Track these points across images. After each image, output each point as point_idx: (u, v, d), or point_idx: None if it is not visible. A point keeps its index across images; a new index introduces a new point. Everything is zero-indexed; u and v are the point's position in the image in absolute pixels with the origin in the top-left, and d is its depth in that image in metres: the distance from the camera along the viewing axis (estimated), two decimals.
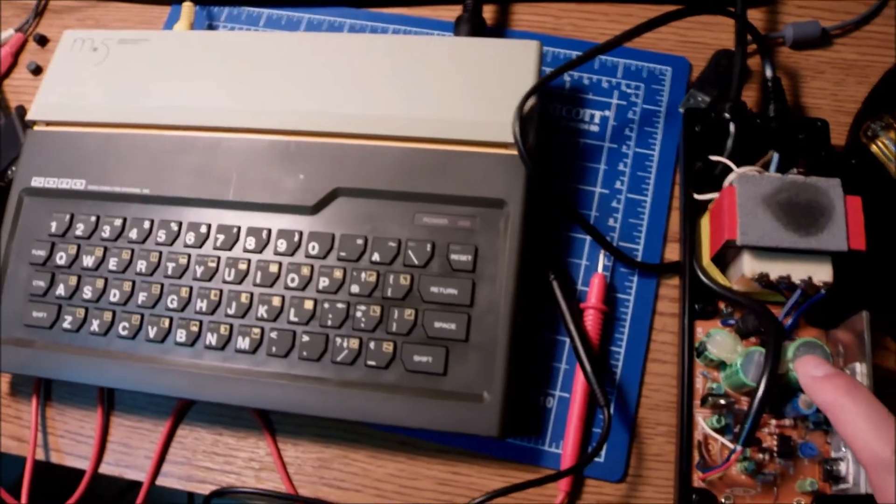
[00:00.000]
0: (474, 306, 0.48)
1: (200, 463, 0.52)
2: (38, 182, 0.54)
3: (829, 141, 0.50)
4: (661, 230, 0.52)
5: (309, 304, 0.49)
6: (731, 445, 0.43)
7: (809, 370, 0.42)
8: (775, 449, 0.46)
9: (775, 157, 0.49)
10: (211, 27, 0.63)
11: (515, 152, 0.49)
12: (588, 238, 0.53)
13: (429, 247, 0.49)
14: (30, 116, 0.55)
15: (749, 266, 0.45)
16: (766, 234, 0.45)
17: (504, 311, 0.47)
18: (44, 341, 0.51)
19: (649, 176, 0.54)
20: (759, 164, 0.49)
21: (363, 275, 0.49)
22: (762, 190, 0.45)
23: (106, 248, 0.52)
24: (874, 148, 0.51)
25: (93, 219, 0.53)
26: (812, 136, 0.51)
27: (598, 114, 0.55)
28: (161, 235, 0.52)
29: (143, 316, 0.51)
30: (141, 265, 0.51)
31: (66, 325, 0.51)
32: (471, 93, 0.51)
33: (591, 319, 0.50)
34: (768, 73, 0.52)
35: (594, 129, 0.55)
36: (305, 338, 0.48)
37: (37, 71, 0.63)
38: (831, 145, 0.50)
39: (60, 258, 0.53)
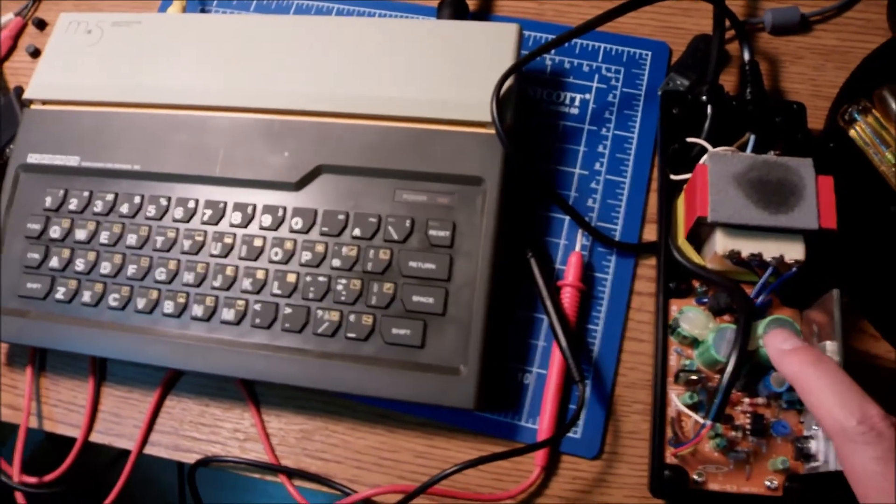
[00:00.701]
0: (452, 281, 0.48)
1: (187, 433, 0.52)
2: (33, 158, 0.54)
3: (806, 124, 0.50)
4: (640, 211, 0.52)
5: (292, 278, 0.49)
6: (702, 421, 0.43)
7: (777, 343, 0.41)
8: (748, 427, 0.45)
9: (752, 139, 0.49)
10: (203, 12, 0.63)
11: (493, 131, 0.49)
12: (567, 218, 0.52)
13: (408, 223, 0.49)
14: (26, 95, 0.55)
15: (721, 243, 0.45)
16: (737, 211, 0.44)
17: (481, 285, 0.47)
18: (37, 311, 0.52)
19: (628, 158, 0.53)
20: (735, 145, 0.49)
21: (344, 249, 0.49)
22: (734, 168, 0.45)
23: (98, 223, 0.52)
24: (852, 132, 0.50)
25: (85, 194, 0.53)
26: (789, 119, 0.50)
27: (578, 97, 0.55)
28: (150, 210, 0.52)
29: (132, 288, 0.51)
30: (131, 239, 0.52)
31: (58, 296, 0.52)
32: (451, 73, 0.51)
33: (568, 297, 0.50)
34: (746, 56, 0.52)
35: (574, 111, 0.55)
36: (288, 310, 0.48)
37: (35, 53, 0.63)
38: (808, 129, 0.50)
39: (54, 232, 0.53)
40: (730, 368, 0.42)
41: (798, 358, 0.40)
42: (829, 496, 0.44)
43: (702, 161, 0.46)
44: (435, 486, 0.46)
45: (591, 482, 0.48)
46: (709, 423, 0.42)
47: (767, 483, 0.45)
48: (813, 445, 0.44)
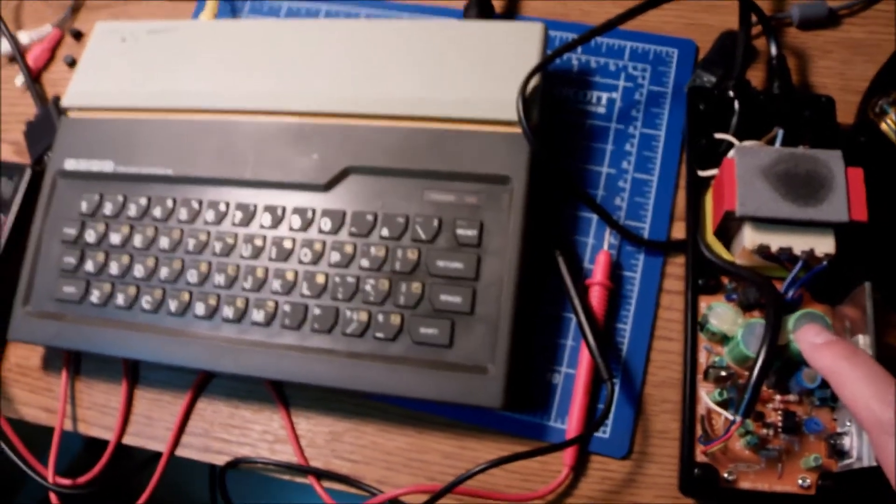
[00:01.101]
0: (479, 280, 0.47)
1: (217, 435, 0.52)
2: (70, 165, 0.55)
3: (835, 117, 0.49)
4: (668, 209, 0.51)
5: (321, 278, 0.49)
6: (732, 418, 0.42)
7: (809, 338, 0.40)
8: (780, 424, 0.44)
9: (780, 133, 0.48)
10: (234, 16, 0.64)
11: (519, 130, 0.49)
12: (594, 217, 0.52)
13: (436, 222, 0.48)
14: (63, 104, 0.56)
15: (749, 238, 0.44)
16: (765, 204, 0.43)
17: (508, 284, 0.47)
18: (73, 315, 0.52)
19: (656, 156, 0.53)
20: (763, 140, 0.48)
21: (372, 249, 0.49)
22: (761, 161, 0.44)
23: (132, 226, 0.53)
24: (883, 125, 0.49)
25: (120, 198, 0.53)
26: (818, 113, 0.49)
27: (605, 95, 0.54)
28: (182, 213, 0.52)
29: (164, 290, 0.51)
30: (164, 242, 0.52)
31: (93, 299, 0.52)
32: (477, 73, 0.51)
33: (596, 296, 0.49)
34: (773, 51, 0.51)
35: (601, 110, 0.54)
36: (317, 311, 0.48)
37: (72, 64, 0.64)
38: (837, 122, 0.49)
39: (90, 236, 0.53)
40: (759, 364, 0.41)
41: (831, 352, 0.39)
42: (864, 493, 0.43)
43: (729, 155, 0.45)
44: (461, 485, 0.46)
45: (621, 482, 0.47)
46: (739, 419, 0.41)
47: (800, 481, 0.44)
48: (847, 442, 0.43)
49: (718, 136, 0.49)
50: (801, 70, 0.54)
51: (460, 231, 0.48)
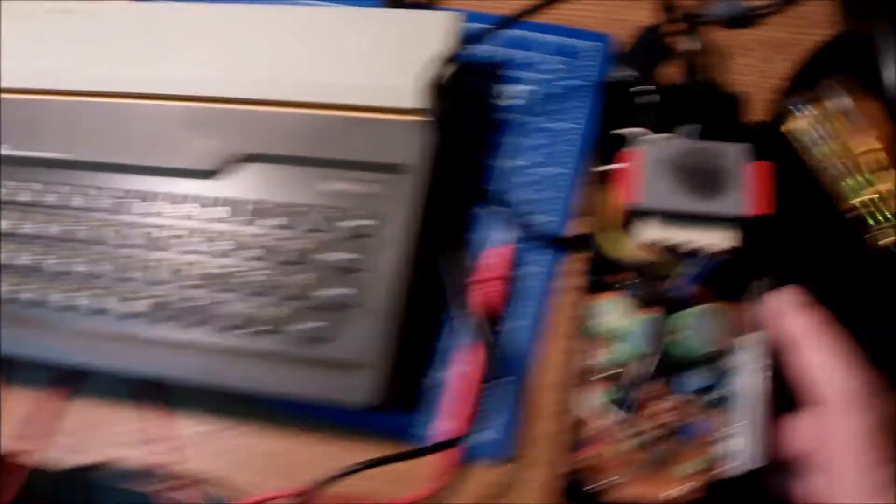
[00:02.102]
0: (370, 272, 0.44)
1: (88, 434, 0.48)
2: None
3: (749, 114, 0.46)
4: (576, 205, 0.48)
5: (202, 269, 0.45)
6: (615, 419, 0.39)
7: (785, 297, 0.39)
8: (667, 427, 0.41)
9: (692, 129, 0.45)
10: None
11: (421, 119, 0.46)
12: (498, 210, 0.48)
13: (328, 211, 0.45)
14: None
15: (648, 231, 0.41)
16: (667, 197, 0.41)
17: (400, 278, 0.44)
18: None
19: (568, 150, 0.49)
20: (675, 135, 0.46)
21: (260, 239, 0.46)
22: (666, 154, 0.42)
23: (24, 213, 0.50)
24: (796, 124, 0.46)
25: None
26: (733, 110, 0.47)
27: (522, 88, 0.51)
28: (73, 199, 0.49)
29: (45, 281, 0.47)
30: (53, 229, 0.49)
31: None
32: (382, 60, 0.48)
33: (490, 292, 0.46)
34: (690, 47, 0.49)
35: (516, 103, 0.51)
36: (197, 303, 0.45)
37: None
38: (752, 119, 0.46)
39: None
40: (645, 363, 0.38)
41: (806, 316, 0.37)
42: (750, 497, 0.40)
43: (634, 147, 0.43)
44: (329, 490, 0.42)
45: (502, 487, 0.44)
46: (621, 419, 0.38)
47: (686, 486, 0.40)
48: (734, 445, 0.40)
49: (627, 130, 0.46)
50: (721, 68, 0.51)
51: (353, 221, 0.45)
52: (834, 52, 0.48)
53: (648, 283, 0.42)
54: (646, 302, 0.42)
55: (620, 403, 0.40)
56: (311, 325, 0.44)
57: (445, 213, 0.48)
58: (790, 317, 0.38)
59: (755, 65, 0.51)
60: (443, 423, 0.45)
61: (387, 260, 0.44)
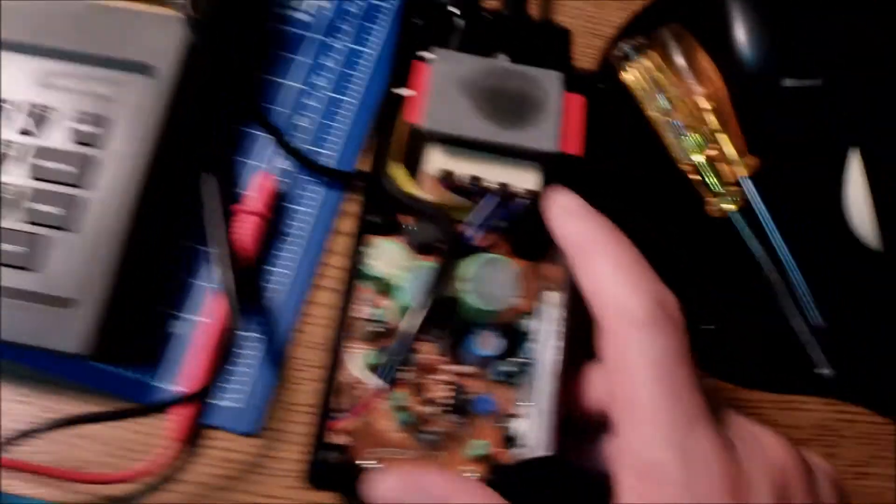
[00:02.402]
0: (89, 190, 0.35)
1: None
2: None
3: (571, 53, 0.40)
4: (361, 136, 0.41)
5: None
6: (376, 389, 0.31)
7: (560, 200, 0.31)
8: (445, 401, 0.34)
9: (503, 59, 0.38)
10: None
11: (179, 14, 0.37)
12: (269, 136, 0.40)
13: (49, 112, 0.36)
14: None
15: (434, 161, 0.34)
16: (458, 121, 0.34)
17: (127, 200, 0.35)
18: None
19: (360, 76, 0.42)
20: None
21: None
22: (463, 71, 0.35)
23: None
24: (626, 74, 0.41)
25: None
26: (552, 46, 0.40)
27: (314, 3, 0.43)
28: None
29: None
30: None
31: None
32: None
33: (247, 228, 0.37)
34: None
35: (306, 18, 0.43)
36: None
37: None
38: (574, 61, 0.40)
39: None
40: (413, 319, 0.31)
41: (588, 218, 0.29)
42: (538, 488, 0.33)
43: (425, 60, 0.35)
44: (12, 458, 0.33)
45: (246, 465, 0.35)
46: (380, 388, 0.30)
47: (464, 472, 0.33)
48: (520, 426, 0.33)
49: (427, 54, 0.39)
50: (546, 7, 0.45)
51: (79, 126, 0.36)
52: (672, 2, 0.43)
53: (429, 225, 0.35)
54: (424, 248, 0.35)
55: (381, 370, 0.33)
56: (10, 247, 0.34)
57: (203, 130, 0.39)
58: (567, 217, 0.30)
59: (585, 8, 0.45)
60: (183, 384, 0.36)
61: (112, 177, 0.35)
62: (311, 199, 0.39)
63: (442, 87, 0.34)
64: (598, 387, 0.30)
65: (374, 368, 0.33)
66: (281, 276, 0.38)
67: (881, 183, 0.39)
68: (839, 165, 0.40)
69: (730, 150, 0.36)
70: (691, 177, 0.36)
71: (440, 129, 0.33)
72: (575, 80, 0.37)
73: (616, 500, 0.24)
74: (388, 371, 0.30)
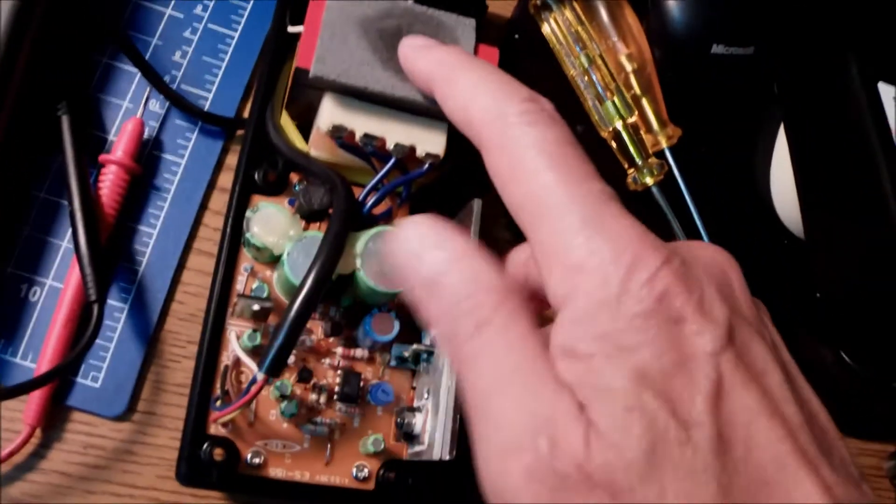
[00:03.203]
0: None
1: None
2: None
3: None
4: (246, 77, 0.35)
5: None
6: (256, 373, 0.27)
7: (411, 41, 0.26)
8: (336, 390, 0.30)
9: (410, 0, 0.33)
10: None
11: None
12: (136, 72, 0.34)
13: None
14: None
15: (326, 114, 0.29)
16: (353, 67, 0.29)
17: None
18: None
19: (244, 5, 0.36)
20: None
21: None
22: (362, 10, 0.30)
23: None
24: (545, 27, 0.36)
25: None
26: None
27: None
28: None
29: None
30: None
31: None
32: None
33: (110, 180, 0.32)
34: None
35: None
36: None
37: None
38: (488, 7, 0.36)
39: None
40: (299, 297, 0.27)
41: (442, 49, 0.25)
42: (436, 489, 0.30)
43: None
44: None
45: (113, 453, 0.31)
46: (261, 376, 0.27)
47: (355, 471, 0.30)
48: (418, 423, 0.29)
49: None
50: None
51: None
52: None
53: (320, 188, 0.30)
54: (314, 215, 0.30)
55: (262, 358, 0.28)
56: None
57: (58, 60, 0.33)
58: (420, 54, 0.26)
59: None
60: (35, 356, 0.31)
61: None
62: (188, 148, 0.34)
63: (336, 26, 0.29)
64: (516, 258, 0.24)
65: (255, 352, 0.29)
66: (153, 238, 0.33)
67: (806, 164, 0.36)
68: (767, 141, 0.38)
69: (652, 118, 0.33)
70: (612, 144, 0.32)
71: (327, 76, 0.29)
72: (489, 29, 0.32)
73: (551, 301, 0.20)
74: (269, 361, 0.26)
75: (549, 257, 0.19)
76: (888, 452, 0.40)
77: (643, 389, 0.17)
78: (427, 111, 0.30)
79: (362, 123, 0.29)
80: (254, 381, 0.27)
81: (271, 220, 0.29)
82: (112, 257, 0.32)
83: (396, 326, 0.30)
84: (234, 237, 0.30)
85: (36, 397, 0.30)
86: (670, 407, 0.17)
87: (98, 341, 0.31)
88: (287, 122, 0.32)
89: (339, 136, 0.29)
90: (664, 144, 0.32)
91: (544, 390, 0.18)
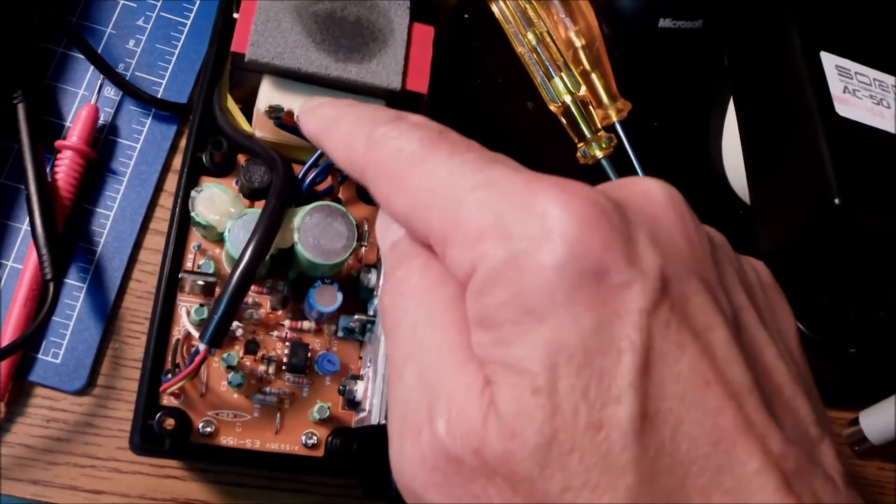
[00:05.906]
0: None
1: None
2: None
3: None
4: (198, 64, 0.36)
5: None
6: (203, 347, 0.28)
7: (304, 105, 0.23)
8: (284, 361, 0.31)
9: None
10: None
11: None
12: (89, 61, 0.35)
13: None
14: None
15: (264, 96, 0.30)
16: (288, 50, 0.29)
17: None
18: None
19: None
20: None
21: None
22: None
23: None
24: (493, 5, 0.36)
25: None
26: None
27: None
28: None
29: None
30: None
31: None
32: None
33: (66, 164, 0.33)
34: None
35: None
36: None
37: None
38: None
39: None
40: (238, 269, 0.27)
41: (327, 108, 0.22)
42: (379, 454, 0.30)
43: None
44: None
45: (73, 425, 0.32)
46: (202, 347, 0.27)
47: (304, 438, 0.30)
48: (359, 389, 0.30)
49: None
50: None
51: None
52: None
53: (260, 167, 0.31)
54: (256, 193, 0.31)
55: (203, 330, 0.29)
56: None
57: (11, 48, 0.34)
58: (311, 112, 0.23)
59: None
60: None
61: None
62: (139, 133, 0.35)
63: (271, 11, 0.30)
64: None
65: (201, 325, 0.30)
66: (106, 219, 0.34)
67: (752, 133, 0.36)
68: (719, 113, 0.38)
69: (601, 92, 0.33)
70: (562, 119, 0.33)
71: (262, 59, 0.29)
72: (431, 8, 0.33)
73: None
74: (210, 332, 0.27)
75: (448, 239, 0.16)
76: (847, 420, 0.40)
77: (556, 365, 0.14)
78: (362, 89, 0.30)
79: (299, 103, 0.30)
80: (196, 352, 0.28)
81: (215, 199, 0.30)
82: (70, 239, 0.33)
83: (339, 298, 0.30)
84: (183, 217, 0.31)
85: None
86: (585, 383, 0.14)
87: (58, 319, 0.32)
88: (233, 106, 0.32)
89: (277, 115, 0.30)
90: (614, 118, 0.33)
91: (450, 363, 0.16)
